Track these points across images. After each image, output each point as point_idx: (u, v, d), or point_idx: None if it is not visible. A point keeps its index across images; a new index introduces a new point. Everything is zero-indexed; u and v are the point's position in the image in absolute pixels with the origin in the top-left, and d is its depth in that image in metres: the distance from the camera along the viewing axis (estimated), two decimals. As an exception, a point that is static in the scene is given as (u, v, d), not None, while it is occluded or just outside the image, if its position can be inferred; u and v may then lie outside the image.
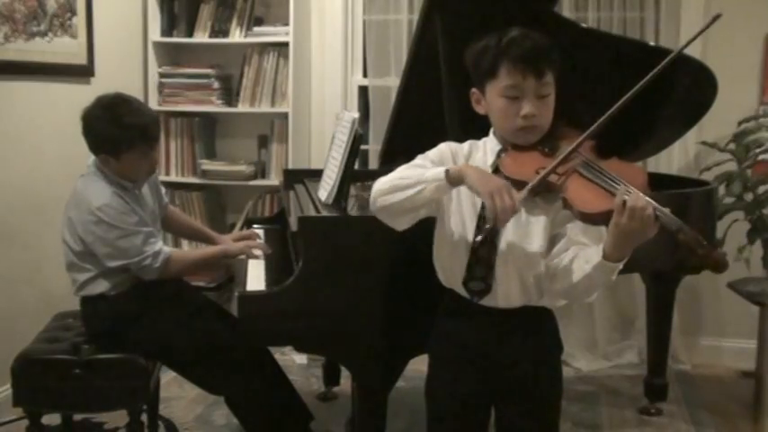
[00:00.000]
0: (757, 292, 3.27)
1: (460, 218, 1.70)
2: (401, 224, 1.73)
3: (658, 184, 2.88)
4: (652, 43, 3.61)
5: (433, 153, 1.77)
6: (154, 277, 2.48)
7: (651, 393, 3.31)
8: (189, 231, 3.07)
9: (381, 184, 1.70)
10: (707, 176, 3.47)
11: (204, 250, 2.84)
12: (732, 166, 3.48)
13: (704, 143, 3.61)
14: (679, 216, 1.42)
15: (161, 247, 2.50)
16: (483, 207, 1.65)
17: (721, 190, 3.36)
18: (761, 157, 3.44)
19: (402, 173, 1.68)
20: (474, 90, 1.74)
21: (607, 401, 3.45)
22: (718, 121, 3.45)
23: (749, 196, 3.43)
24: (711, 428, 3.16)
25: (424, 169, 1.66)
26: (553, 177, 1.59)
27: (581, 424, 3.18)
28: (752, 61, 3.69)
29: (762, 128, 3.48)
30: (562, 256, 1.59)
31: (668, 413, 3.28)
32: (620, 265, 1.49)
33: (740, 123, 3.52)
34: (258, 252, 2.68)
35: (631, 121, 2.95)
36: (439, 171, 1.61)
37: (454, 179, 1.59)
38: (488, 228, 1.55)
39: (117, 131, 2.43)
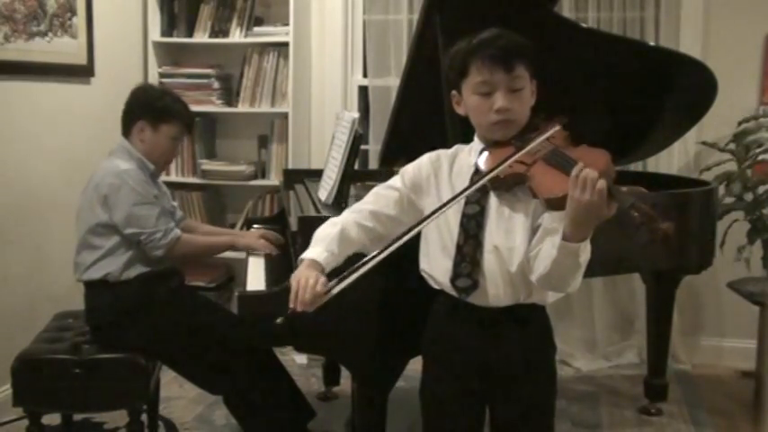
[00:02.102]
0: (757, 292, 3.27)
1: (444, 216, 1.70)
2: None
3: (658, 184, 2.90)
4: (652, 43, 3.62)
5: (411, 167, 1.81)
6: (160, 254, 2.52)
7: (651, 393, 3.31)
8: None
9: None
10: (707, 176, 3.47)
11: (213, 238, 2.86)
12: (732, 166, 3.48)
13: (704, 143, 3.61)
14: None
15: (173, 226, 2.57)
16: (466, 203, 1.69)
17: (721, 190, 3.36)
18: (761, 157, 3.44)
19: (322, 229, 1.76)
20: (453, 93, 1.77)
21: (607, 401, 3.45)
22: (719, 121, 3.45)
23: (749, 196, 3.43)
24: (711, 428, 3.16)
25: (328, 233, 1.73)
26: (521, 168, 1.61)
27: (581, 424, 3.18)
28: (752, 61, 3.69)
29: (762, 128, 3.48)
30: (538, 247, 1.60)
31: (668, 413, 3.28)
32: (582, 246, 1.49)
33: (740, 123, 3.52)
34: (265, 250, 2.70)
35: (632, 120, 2.97)
36: (307, 252, 1.69)
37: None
38: (289, 310, 1.59)
39: (169, 100, 2.69)
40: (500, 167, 1.59)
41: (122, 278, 2.55)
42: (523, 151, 1.61)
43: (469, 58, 1.68)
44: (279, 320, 1.60)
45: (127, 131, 2.67)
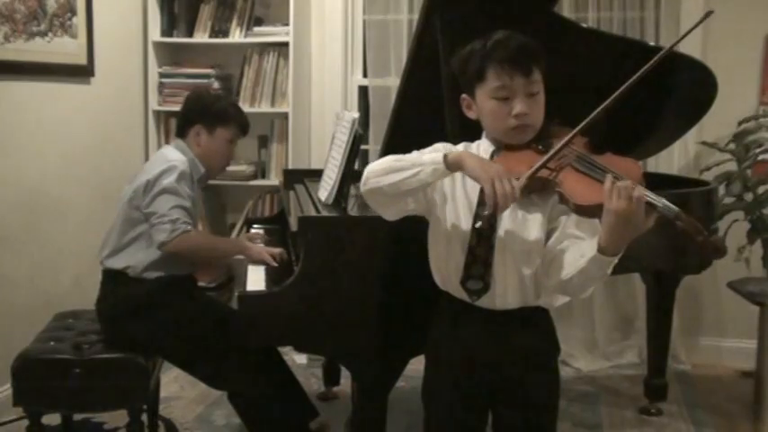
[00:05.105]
0: (757, 292, 3.27)
1: (455, 216, 1.69)
2: (388, 212, 1.72)
3: (658, 184, 2.90)
4: (652, 43, 3.61)
5: (428, 150, 1.76)
6: (162, 239, 2.49)
7: (651, 393, 3.31)
8: None
9: (375, 164, 1.69)
10: (707, 176, 3.48)
11: (224, 240, 2.85)
12: (732, 166, 3.48)
13: (704, 143, 3.61)
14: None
15: (185, 221, 2.52)
16: (479, 204, 1.65)
17: (721, 190, 3.37)
18: (761, 157, 3.45)
19: (397, 156, 1.67)
20: (464, 96, 1.74)
21: (607, 401, 3.45)
22: (718, 121, 3.45)
23: (749, 196, 3.44)
24: (711, 428, 3.16)
25: (420, 154, 1.66)
26: (548, 173, 1.60)
27: (581, 424, 3.18)
28: (752, 61, 3.69)
29: (762, 128, 3.48)
30: (556, 250, 1.59)
31: (668, 413, 3.28)
32: (615, 260, 1.48)
33: (740, 123, 3.52)
34: (273, 259, 2.66)
35: (632, 120, 2.97)
36: (437, 155, 1.60)
37: (453, 164, 1.59)
38: (487, 215, 1.53)
39: (224, 104, 2.80)
40: (537, 168, 1.58)
41: (141, 276, 2.57)
42: (550, 154, 1.59)
43: (486, 62, 1.64)
44: (478, 225, 1.57)
45: (182, 135, 2.74)
